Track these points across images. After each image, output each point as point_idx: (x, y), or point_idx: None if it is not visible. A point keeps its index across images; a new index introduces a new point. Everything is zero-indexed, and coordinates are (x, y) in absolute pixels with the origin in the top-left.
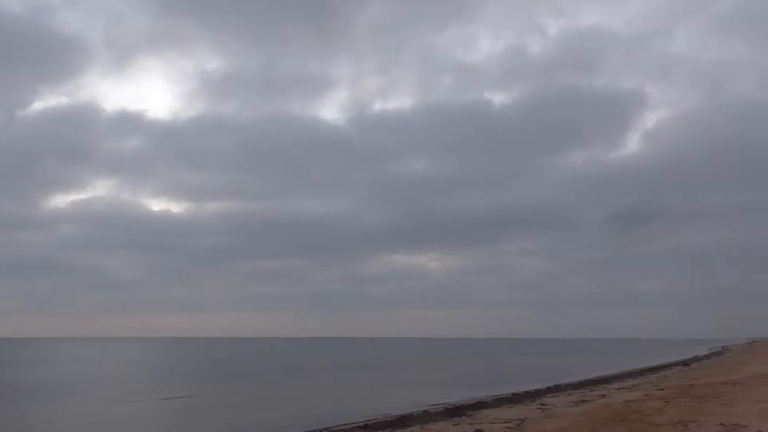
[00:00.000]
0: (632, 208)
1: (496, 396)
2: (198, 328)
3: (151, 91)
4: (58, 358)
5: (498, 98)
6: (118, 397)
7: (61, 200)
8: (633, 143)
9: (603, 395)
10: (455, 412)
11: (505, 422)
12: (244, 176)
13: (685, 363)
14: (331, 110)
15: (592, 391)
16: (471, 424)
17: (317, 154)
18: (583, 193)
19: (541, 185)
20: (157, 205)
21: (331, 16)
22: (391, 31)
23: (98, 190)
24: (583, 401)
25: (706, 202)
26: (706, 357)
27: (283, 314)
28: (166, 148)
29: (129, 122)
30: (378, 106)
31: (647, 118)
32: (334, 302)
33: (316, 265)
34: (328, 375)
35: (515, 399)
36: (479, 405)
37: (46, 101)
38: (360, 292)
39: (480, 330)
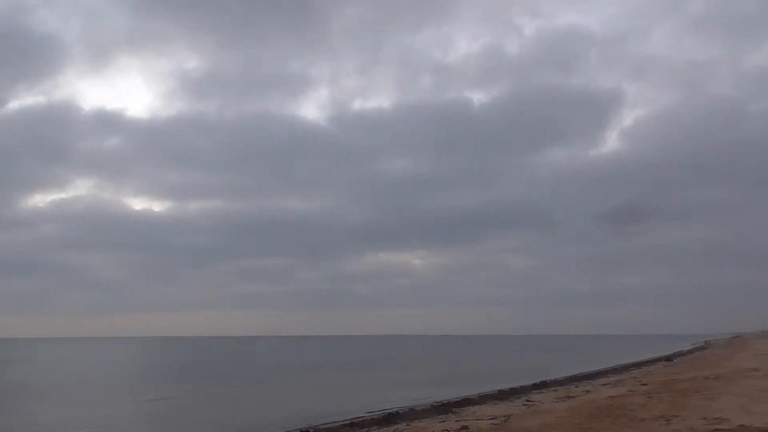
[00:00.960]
0: (614, 206)
1: (482, 393)
2: (183, 327)
3: (130, 90)
4: (38, 359)
5: (477, 97)
6: (97, 399)
7: (40, 199)
8: (612, 141)
9: (588, 391)
10: (442, 409)
11: (491, 419)
12: (227, 175)
13: (668, 358)
14: (311, 109)
15: (577, 387)
16: (457, 420)
17: (299, 152)
18: (566, 190)
19: (524, 183)
20: (138, 204)
21: (309, 16)
22: (368, 32)
23: (78, 189)
24: (569, 397)
25: (686, 199)
26: (689, 352)
27: (270, 313)
28: (146, 146)
29: (108, 121)
30: (358, 105)
31: (625, 117)
32: (320, 300)
33: (301, 264)
34: (315, 373)
35: (501, 396)
36: (465, 402)
37: (23, 100)
38: (346, 290)
39: (465, 327)
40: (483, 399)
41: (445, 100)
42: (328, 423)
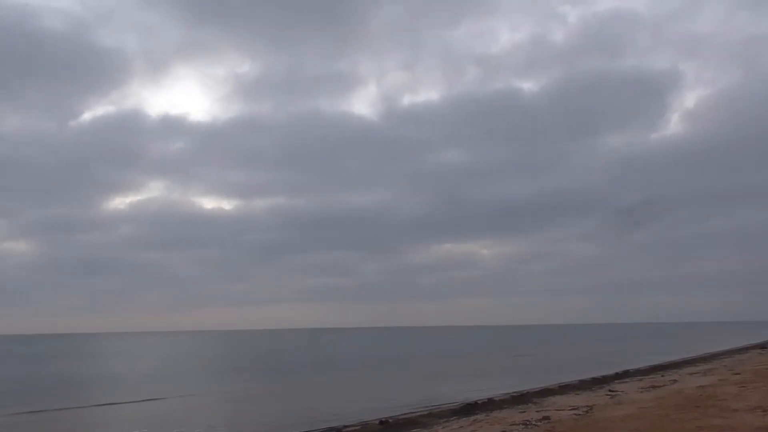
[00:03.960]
0: (681, 189)
1: (562, 383)
2: (254, 320)
3: (189, 96)
4: (120, 353)
5: (526, 86)
6: (169, 390)
7: (119, 202)
8: (675, 124)
9: (675, 380)
10: (521, 399)
11: (573, 409)
12: (285, 172)
13: (762, 346)
14: (361, 106)
15: (663, 376)
16: (538, 411)
17: (352, 148)
18: (628, 175)
19: (583, 170)
20: (208, 203)
21: (348, 18)
22: (407, 29)
23: (151, 191)
24: (654, 387)
25: (756, 180)
26: None
27: (337, 305)
28: (209, 148)
29: (173, 126)
30: (406, 100)
31: (686, 98)
32: (387, 292)
33: (365, 257)
34: (387, 365)
35: (583, 386)
36: (545, 392)
37: (95, 111)
38: (411, 281)
39: (534, 317)
40: (564, 389)
41: (493, 90)
42: (406, 413)
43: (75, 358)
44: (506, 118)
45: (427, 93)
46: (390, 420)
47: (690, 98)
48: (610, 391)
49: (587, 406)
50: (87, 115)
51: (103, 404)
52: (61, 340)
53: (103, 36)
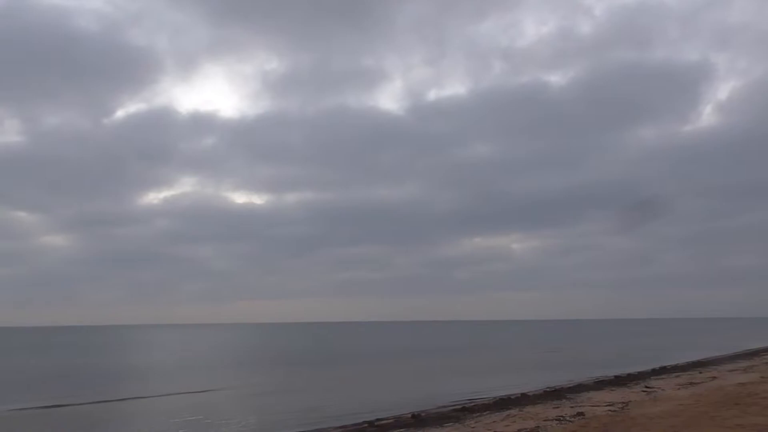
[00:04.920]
0: (715, 181)
1: (597, 378)
2: (287, 313)
3: (218, 93)
4: (157, 344)
5: (554, 79)
6: (204, 383)
7: (153, 197)
8: (708, 115)
9: (714, 377)
10: (555, 395)
11: (608, 405)
12: (314, 167)
13: None
14: (387, 101)
15: (701, 373)
16: (572, 407)
17: (380, 143)
18: (660, 168)
19: (614, 163)
20: (239, 198)
21: (372, 14)
22: (430, 25)
23: (184, 187)
24: (692, 383)
25: None
26: None
27: (369, 299)
28: (239, 144)
29: (203, 123)
30: (433, 94)
31: (719, 89)
32: (418, 286)
33: (397, 251)
34: (419, 359)
35: (618, 381)
36: (580, 388)
37: (128, 108)
38: (443, 275)
39: (567, 311)
40: (598, 385)
41: (520, 84)
42: (438, 407)
43: (114, 349)
44: (534, 112)
45: (453, 87)
46: (422, 414)
47: (723, 90)
48: (646, 387)
49: (622, 402)
50: (120, 113)
51: (141, 397)
52: (100, 332)
53: (134, 36)
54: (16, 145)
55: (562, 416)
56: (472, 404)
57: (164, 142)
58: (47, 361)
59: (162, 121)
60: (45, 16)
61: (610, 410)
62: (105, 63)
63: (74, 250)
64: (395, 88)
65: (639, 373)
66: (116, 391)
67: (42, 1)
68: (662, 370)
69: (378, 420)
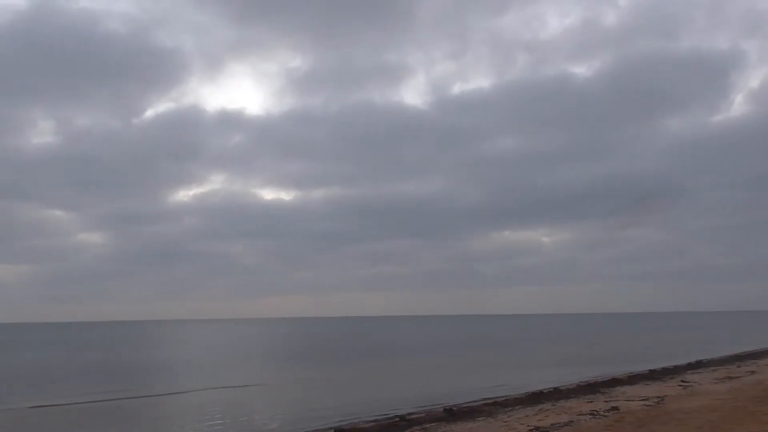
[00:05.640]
0: (748, 172)
1: (631, 373)
2: (316, 308)
3: (244, 91)
4: (188, 340)
5: (579, 71)
6: (238, 377)
7: (183, 194)
8: (739, 105)
9: (753, 372)
10: (588, 389)
11: (644, 399)
12: (340, 163)
13: None
14: (412, 96)
15: (739, 367)
16: (606, 401)
17: (405, 137)
18: (690, 159)
19: (642, 154)
20: (267, 194)
21: (394, 10)
22: (452, 19)
23: (213, 184)
24: (730, 378)
25: None
26: None
27: (397, 293)
28: (265, 141)
29: (230, 121)
30: (456, 88)
31: (750, 78)
32: (446, 280)
33: (424, 245)
34: (449, 353)
35: (653, 376)
36: (614, 382)
37: (157, 108)
38: (471, 269)
39: (597, 305)
40: (633, 379)
41: (545, 76)
42: (470, 401)
43: (147, 345)
44: (560, 104)
45: (477, 81)
46: (454, 408)
47: (754, 78)
48: (682, 381)
49: (658, 397)
50: (150, 113)
51: (175, 393)
52: (133, 327)
53: (161, 37)
54: (50, 145)
55: (596, 410)
56: (504, 398)
57: (193, 140)
58: (82, 357)
59: (190, 120)
60: (75, 20)
61: (645, 404)
62: (134, 64)
63: (107, 248)
64: (419, 83)
65: (674, 367)
66: (151, 386)
67: (72, 5)
68: (698, 365)
69: (410, 414)
